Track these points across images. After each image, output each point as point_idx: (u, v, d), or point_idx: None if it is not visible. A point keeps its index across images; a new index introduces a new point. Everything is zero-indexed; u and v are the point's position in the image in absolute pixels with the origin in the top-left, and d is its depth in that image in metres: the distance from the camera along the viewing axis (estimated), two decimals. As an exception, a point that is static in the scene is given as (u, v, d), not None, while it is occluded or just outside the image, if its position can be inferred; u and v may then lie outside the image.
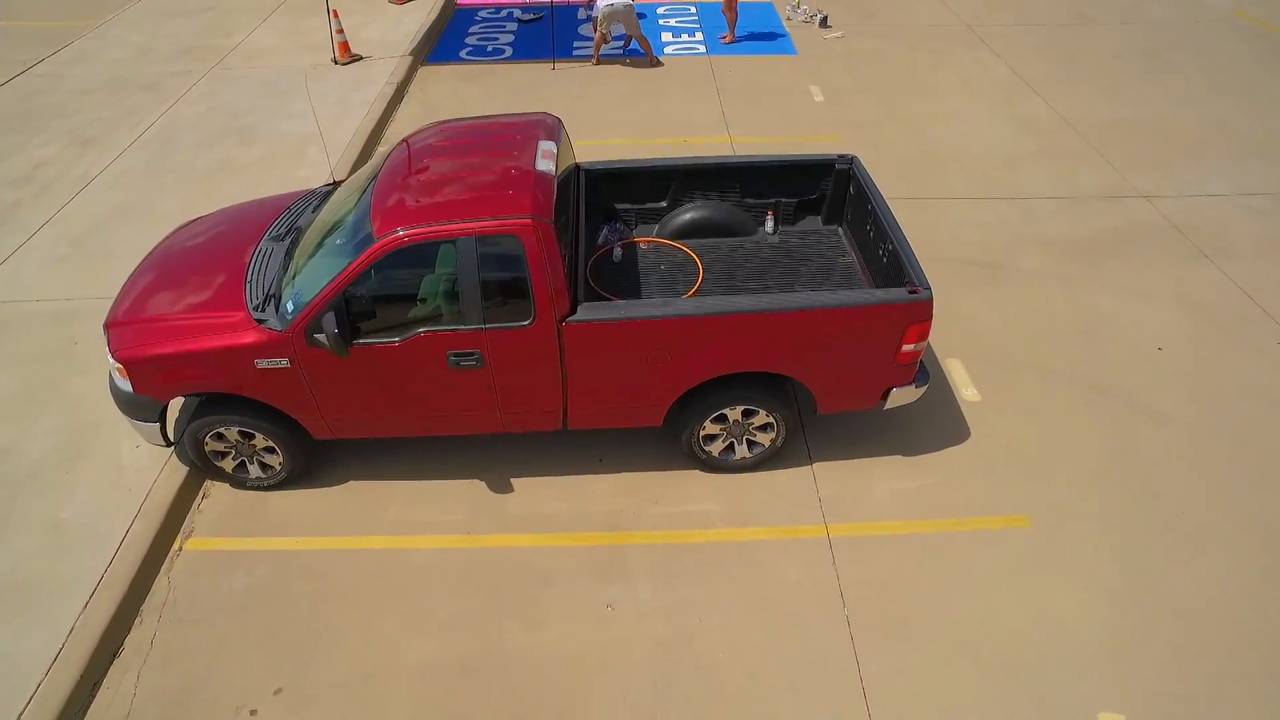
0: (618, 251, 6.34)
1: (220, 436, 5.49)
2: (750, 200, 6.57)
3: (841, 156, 6.41)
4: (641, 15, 13.60)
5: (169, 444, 5.59)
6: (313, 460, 5.91)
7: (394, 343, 4.97)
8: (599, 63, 12.03)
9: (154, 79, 11.62)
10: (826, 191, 6.54)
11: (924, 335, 5.18)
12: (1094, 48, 12.63)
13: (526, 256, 4.73)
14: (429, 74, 11.98)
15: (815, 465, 5.98)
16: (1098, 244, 8.23)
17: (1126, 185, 9.19)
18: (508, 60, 12.33)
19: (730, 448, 5.74)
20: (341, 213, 5.45)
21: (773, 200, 6.58)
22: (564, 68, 12.00)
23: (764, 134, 10.13)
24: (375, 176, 5.39)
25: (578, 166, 6.35)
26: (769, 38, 12.95)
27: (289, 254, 5.49)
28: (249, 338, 5.00)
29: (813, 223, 6.73)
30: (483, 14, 14.18)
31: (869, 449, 6.10)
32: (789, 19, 13.69)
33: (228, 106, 10.79)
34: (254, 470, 5.71)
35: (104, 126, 10.38)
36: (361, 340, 4.97)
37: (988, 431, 6.24)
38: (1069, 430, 6.23)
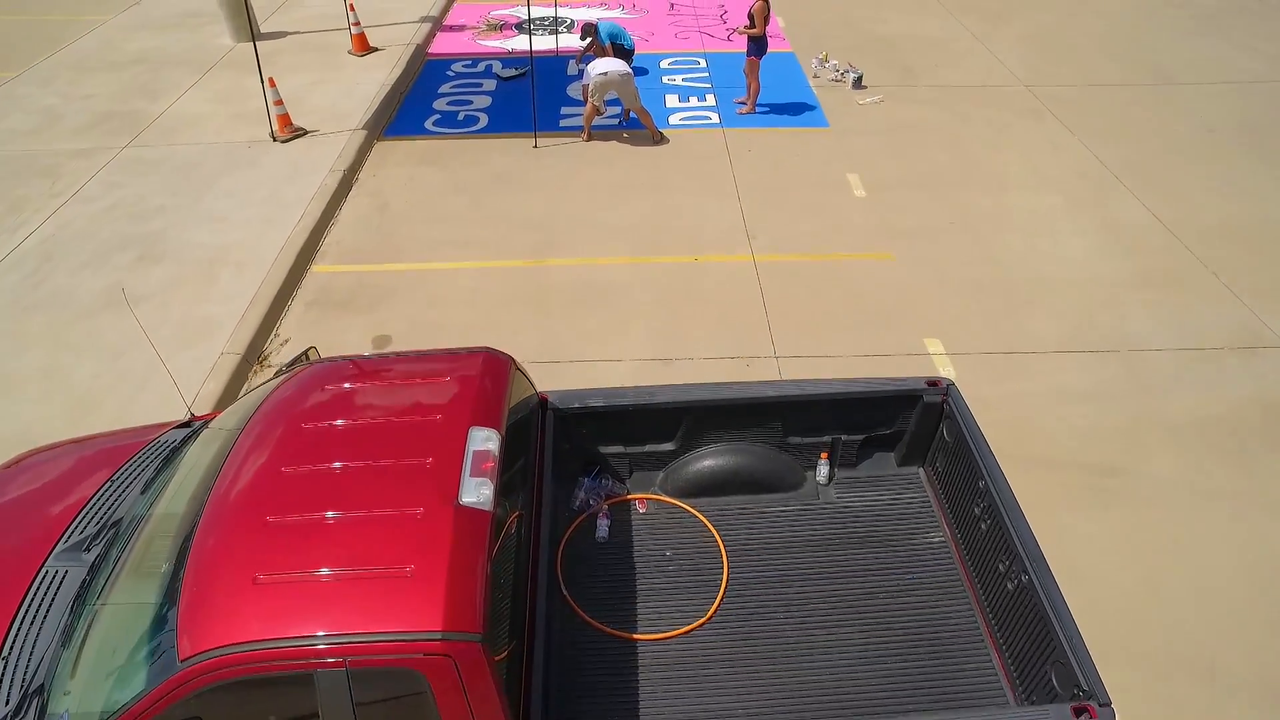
0: (603, 526, 4.34)
1: None
2: (797, 439, 4.58)
3: (931, 384, 4.41)
4: (642, 71, 11.58)
5: None
6: None
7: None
8: (590, 138, 10.00)
9: (54, 159, 9.61)
10: (907, 428, 4.55)
11: (1093, 764, 3.19)
12: (1180, 118, 10.58)
13: (435, 702, 2.74)
14: (386, 152, 9.95)
15: None
16: (1243, 429, 6.22)
17: (1262, 327, 7.17)
18: (481, 133, 10.30)
19: None
20: (179, 509, 3.46)
21: (828, 438, 4.58)
22: (548, 144, 9.97)
23: (796, 248, 8.11)
24: (214, 483, 3.39)
25: (543, 403, 4.35)
26: (794, 105, 10.89)
27: (81, 596, 3.49)
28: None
29: (883, 462, 4.73)
30: (457, 67, 12.13)
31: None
32: (816, 76, 11.64)
33: (135, 202, 8.78)
34: None
35: (-23, 231, 8.40)
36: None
37: (1145, 795, 4.25)
38: (1266, 796, 4.24)
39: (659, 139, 9.95)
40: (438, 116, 10.67)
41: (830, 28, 13.38)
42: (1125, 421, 6.30)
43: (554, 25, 13.43)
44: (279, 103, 9.77)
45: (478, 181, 9.25)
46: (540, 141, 9.95)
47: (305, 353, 4.25)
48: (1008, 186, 9.14)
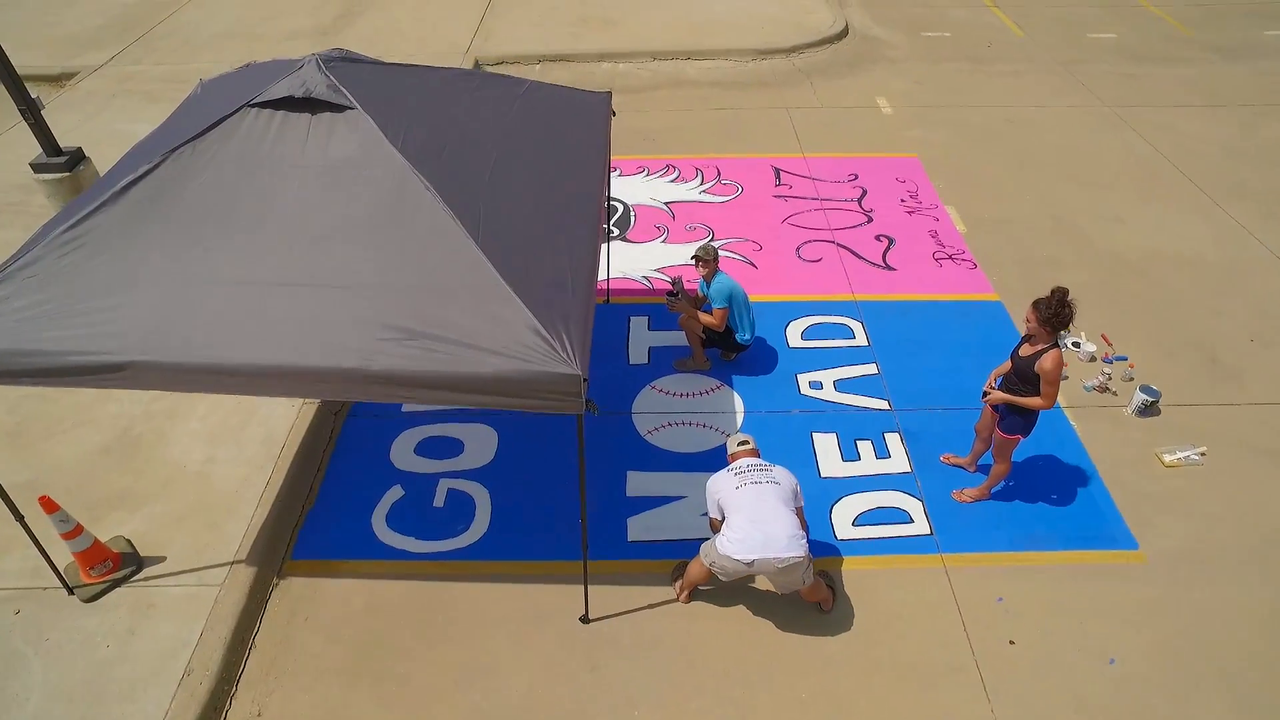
0: None
1: None
2: None
3: None
4: (765, 360, 6.79)
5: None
6: None
7: None
8: (689, 598, 5.13)
9: None
10: None
11: None
12: None
13: None
14: (292, 610, 5.06)
15: None
16: None
17: None
18: (476, 555, 5.39)
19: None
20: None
21: None
22: (608, 605, 5.01)
23: None
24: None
25: None
26: (1045, 467, 5.96)
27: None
28: None
29: None
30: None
31: None
32: (1064, 376, 6.71)
33: None
34: None
35: None
36: None
37: None
38: None
39: (829, 608, 5.06)
40: (398, 497, 5.74)
41: (1037, 234, 8.44)
42: None
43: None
44: (76, 532, 4.87)
45: (467, 759, 4.39)
46: (594, 600, 4.99)
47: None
48: None
